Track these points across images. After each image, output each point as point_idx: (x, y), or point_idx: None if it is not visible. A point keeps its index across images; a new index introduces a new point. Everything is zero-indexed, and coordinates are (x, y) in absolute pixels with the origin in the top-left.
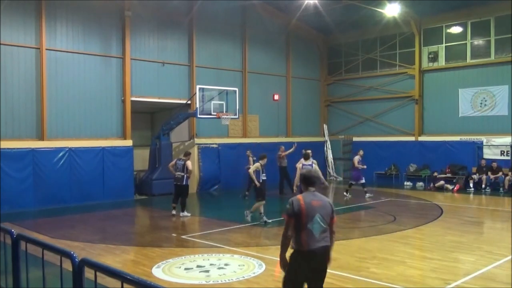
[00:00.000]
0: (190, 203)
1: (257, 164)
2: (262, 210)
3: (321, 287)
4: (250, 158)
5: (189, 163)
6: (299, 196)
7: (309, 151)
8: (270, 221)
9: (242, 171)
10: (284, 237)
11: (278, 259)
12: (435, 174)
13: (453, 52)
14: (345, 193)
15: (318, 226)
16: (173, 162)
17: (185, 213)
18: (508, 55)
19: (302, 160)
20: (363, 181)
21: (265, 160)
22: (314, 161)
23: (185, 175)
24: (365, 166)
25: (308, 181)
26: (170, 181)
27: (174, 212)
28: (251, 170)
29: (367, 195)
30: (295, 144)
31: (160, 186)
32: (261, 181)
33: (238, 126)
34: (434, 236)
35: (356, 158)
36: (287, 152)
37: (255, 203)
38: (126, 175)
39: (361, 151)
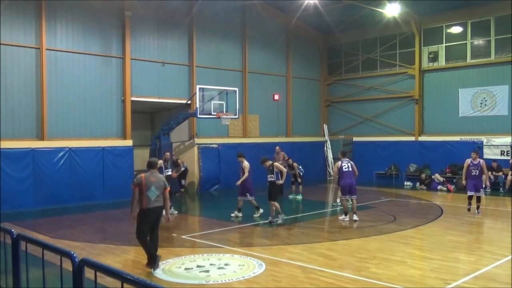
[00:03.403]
0: (190, 203)
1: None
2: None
3: (157, 231)
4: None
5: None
6: (142, 174)
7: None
8: (279, 221)
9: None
10: (132, 200)
11: None
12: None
13: (453, 52)
14: (476, 213)
15: (153, 194)
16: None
17: (172, 210)
18: (508, 55)
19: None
20: (480, 193)
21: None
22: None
23: None
24: (465, 182)
25: (150, 165)
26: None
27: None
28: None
29: (478, 212)
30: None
31: None
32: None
33: (238, 126)
34: (434, 236)
35: (467, 162)
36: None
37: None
38: (126, 175)
39: (473, 153)
